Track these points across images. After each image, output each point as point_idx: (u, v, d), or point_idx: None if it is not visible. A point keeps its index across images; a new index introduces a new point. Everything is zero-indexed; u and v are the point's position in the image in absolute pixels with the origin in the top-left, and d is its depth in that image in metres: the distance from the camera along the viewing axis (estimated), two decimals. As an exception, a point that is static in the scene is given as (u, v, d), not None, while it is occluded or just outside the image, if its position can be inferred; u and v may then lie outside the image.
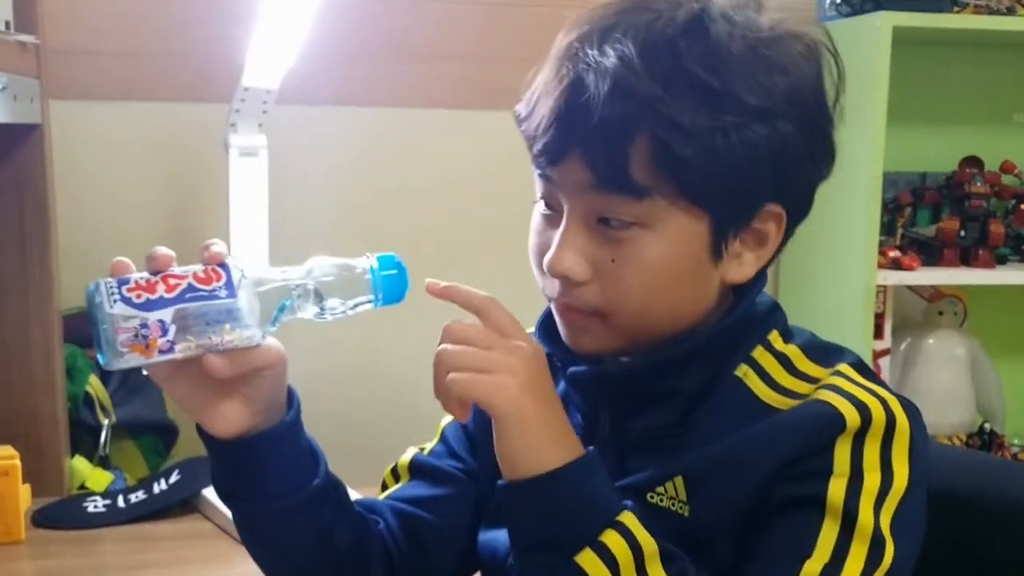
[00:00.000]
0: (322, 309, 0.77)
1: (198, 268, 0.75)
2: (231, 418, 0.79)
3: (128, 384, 1.69)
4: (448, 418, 0.99)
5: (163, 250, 0.75)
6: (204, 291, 0.73)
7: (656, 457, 0.83)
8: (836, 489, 0.76)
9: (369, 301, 0.79)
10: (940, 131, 2.16)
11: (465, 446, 0.96)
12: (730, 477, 0.79)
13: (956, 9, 1.91)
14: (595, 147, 0.77)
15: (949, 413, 2.11)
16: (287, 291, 0.76)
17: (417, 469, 0.97)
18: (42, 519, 1.46)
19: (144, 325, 0.72)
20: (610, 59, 0.77)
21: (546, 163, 0.80)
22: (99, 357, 0.73)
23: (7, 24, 1.44)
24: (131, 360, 0.72)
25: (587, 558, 0.74)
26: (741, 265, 0.83)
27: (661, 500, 0.81)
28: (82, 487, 1.57)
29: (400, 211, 1.94)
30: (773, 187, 0.80)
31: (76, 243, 1.71)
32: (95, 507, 1.49)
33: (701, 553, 0.78)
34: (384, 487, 0.98)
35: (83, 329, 1.63)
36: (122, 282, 0.73)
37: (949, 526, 0.89)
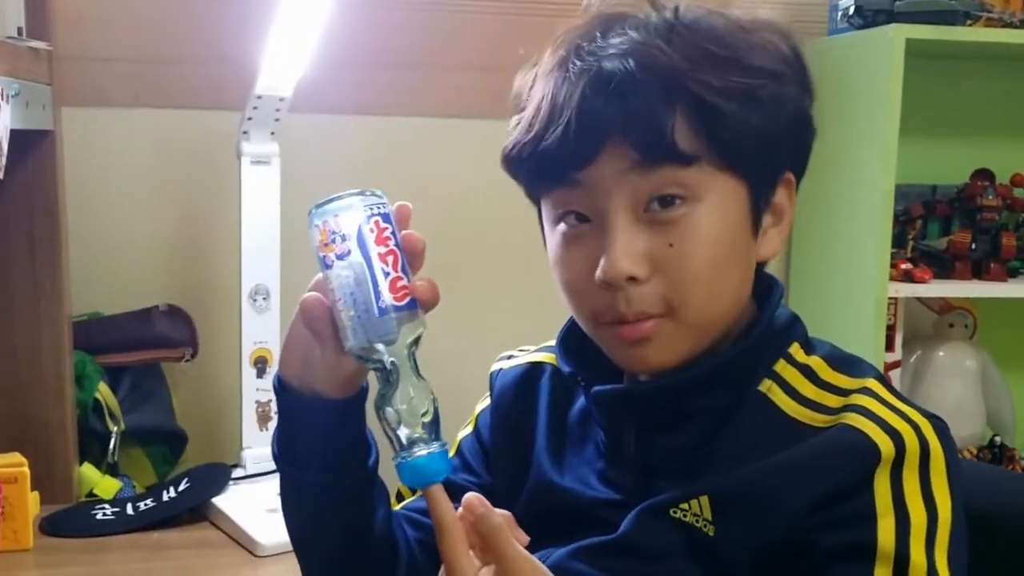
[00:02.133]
0: (383, 397, 0.75)
1: (414, 283, 0.77)
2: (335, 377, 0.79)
3: (137, 391, 1.69)
4: (466, 431, 0.99)
5: (418, 241, 0.78)
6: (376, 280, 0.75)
7: (682, 477, 0.81)
8: (885, 533, 0.74)
9: (398, 454, 0.75)
10: (952, 144, 2.16)
11: (482, 461, 0.95)
12: (758, 505, 0.77)
13: (969, 22, 1.90)
14: (637, 124, 0.76)
15: (959, 426, 2.10)
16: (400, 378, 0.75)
17: None
18: (50, 527, 1.46)
19: (343, 237, 0.75)
20: (624, 46, 0.77)
21: (576, 166, 0.78)
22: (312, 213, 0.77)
23: (19, 30, 1.44)
24: (316, 237, 0.76)
25: None
26: (769, 241, 0.84)
27: (685, 516, 0.80)
28: (91, 494, 1.57)
29: (414, 220, 1.93)
30: (791, 152, 0.83)
31: (87, 250, 1.71)
32: (104, 515, 1.49)
33: None
34: (400, 498, 0.98)
35: (93, 336, 1.66)
36: (385, 217, 0.77)
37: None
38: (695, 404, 0.82)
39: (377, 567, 0.88)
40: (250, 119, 1.55)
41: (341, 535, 0.86)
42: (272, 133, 1.58)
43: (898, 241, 2.01)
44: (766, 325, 0.83)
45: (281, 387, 0.83)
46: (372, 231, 0.75)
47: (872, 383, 0.81)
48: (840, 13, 1.96)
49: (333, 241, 0.75)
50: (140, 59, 1.79)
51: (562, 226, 0.82)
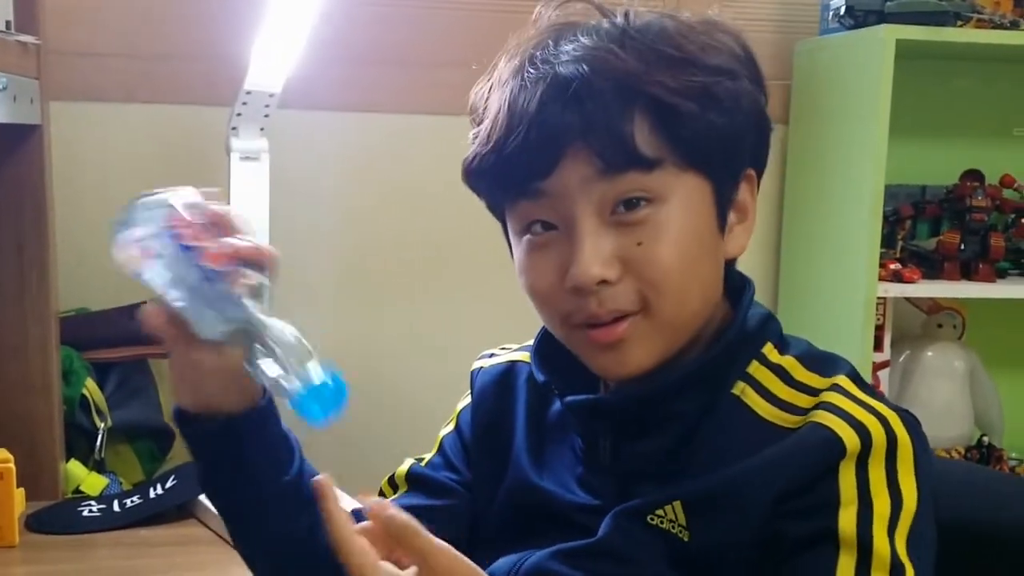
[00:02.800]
0: (254, 359, 0.75)
1: (224, 245, 0.76)
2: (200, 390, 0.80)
3: (124, 388, 1.68)
4: (447, 429, 0.99)
5: (235, 216, 0.77)
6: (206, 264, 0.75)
7: (658, 482, 0.82)
8: (847, 519, 0.75)
9: (292, 393, 0.75)
10: (942, 144, 2.16)
11: (463, 459, 0.95)
12: (730, 508, 0.78)
13: (959, 23, 1.91)
14: (597, 131, 0.76)
15: (947, 426, 2.11)
16: (248, 320, 0.75)
17: (415, 480, 0.96)
18: (36, 523, 1.45)
19: (143, 239, 0.76)
20: (578, 51, 0.77)
21: (539, 177, 0.78)
22: (114, 230, 0.78)
23: (8, 24, 1.43)
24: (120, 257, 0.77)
25: None
26: (735, 238, 0.84)
27: (661, 523, 0.80)
28: (77, 491, 1.56)
29: (401, 216, 1.94)
30: (752, 149, 0.83)
31: (74, 245, 1.70)
32: (90, 511, 1.48)
33: None
34: (382, 496, 0.97)
35: (80, 331, 1.65)
36: (172, 207, 0.76)
37: (956, 551, 0.88)
38: (668, 410, 0.82)
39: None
40: (239, 115, 1.54)
41: (272, 547, 0.87)
42: (261, 129, 1.57)
43: (887, 241, 2.01)
44: (738, 328, 0.83)
45: (181, 419, 0.83)
46: (165, 222, 0.76)
47: (842, 379, 0.81)
48: (831, 13, 1.96)
49: (139, 250, 0.76)
50: (129, 54, 1.78)
51: (528, 235, 0.81)
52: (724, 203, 0.82)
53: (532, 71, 0.78)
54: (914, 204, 2.09)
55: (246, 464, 0.82)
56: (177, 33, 1.80)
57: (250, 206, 1.56)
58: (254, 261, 0.76)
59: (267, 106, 1.55)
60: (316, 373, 0.74)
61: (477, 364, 0.99)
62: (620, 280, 0.78)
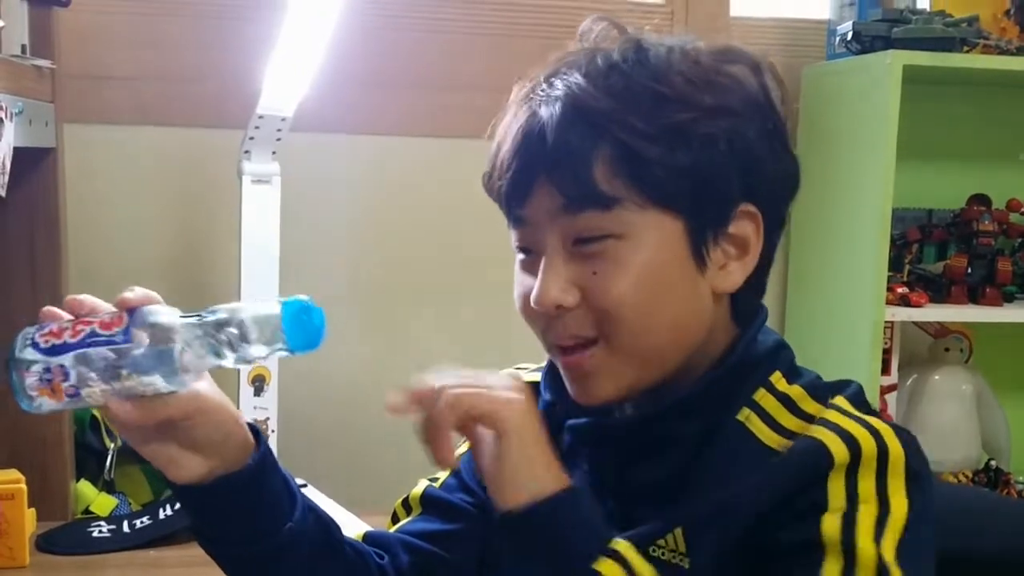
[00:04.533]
0: (235, 356, 0.74)
1: (107, 314, 0.75)
2: (186, 465, 0.78)
3: (135, 408, 1.69)
4: (462, 449, 0.99)
5: (83, 297, 0.76)
6: (103, 336, 0.73)
7: (660, 507, 0.82)
8: (830, 524, 0.75)
9: (283, 348, 0.75)
10: (948, 169, 2.17)
11: (478, 480, 0.95)
12: (727, 526, 0.78)
13: (966, 49, 1.92)
14: (558, 169, 0.79)
15: (954, 450, 2.10)
16: (199, 337, 0.73)
17: (428, 502, 0.96)
18: (46, 544, 1.46)
19: (47, 369, 0.73)
20: (559, 89, 0.80)
21: (517, 203, 0.82)
22: (18, 402, 0.75)
23: (23, 48, 1.44)
24: (43, 404, 0.74)
25: None
26: (728, 274, 0.83)
27: (663, 554, 0.80)
28: (87, 511, 1.57)
29: (412, 239, 1.95)
30: (741, 185, 0.82)
31: (87, 267, 1.71)
32: (100, 532, 1.49)
33: None
34: (395, 519, 0.98)
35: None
36: (40, 328, 0.74)
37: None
38: (670, 433, 0.83)
39: None
40: (251, 139, 1.55)
41: None
42: (273, 153, 1.58)
43: (894, 265, 2.02)
44: (743, 353, 0.84)
45: (181, 494, 0.81)
46: (47, 339, 0.73)
47: (839, 400, 0.82)
48: (838, 39, 1.97)
49: (50, 382, 0.73)
50: (142, 77, 1.80)
51: (519, 255, 0.85)
52: (702, 240, 0.81)
53: (526, 104, 0.82)
54: (921, 228, 2.10)
55: (247, 519, 0.81)
56: (189, 57, 1.81)
57: (261, 229, 1.57)
58: (138, 302, 0.74)
59: (279, 130, 1.56)
60: (274, 308, 0.73)
61: None
62: (578, 306, 0.81)
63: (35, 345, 0.74)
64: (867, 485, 0.76)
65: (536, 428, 0.79)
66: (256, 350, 0.74)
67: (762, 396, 0.83)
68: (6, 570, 1.37)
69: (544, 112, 0.79)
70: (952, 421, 2.11)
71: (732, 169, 0.80)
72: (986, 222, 2.06)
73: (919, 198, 2.11)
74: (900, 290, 1.97)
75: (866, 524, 0.75)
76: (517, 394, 0.79)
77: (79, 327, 0.74)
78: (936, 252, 2.12)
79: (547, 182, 0.79)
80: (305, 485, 1.47)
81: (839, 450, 0.76)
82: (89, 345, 0.73)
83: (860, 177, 1.91)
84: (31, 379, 0.74)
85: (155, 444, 0.78)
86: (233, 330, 0.73)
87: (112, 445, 1.61)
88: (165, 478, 0.80)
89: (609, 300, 0.80)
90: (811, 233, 2.05)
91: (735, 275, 0.84)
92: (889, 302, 1.92)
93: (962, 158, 2.18)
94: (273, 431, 1.59)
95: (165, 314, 0.74)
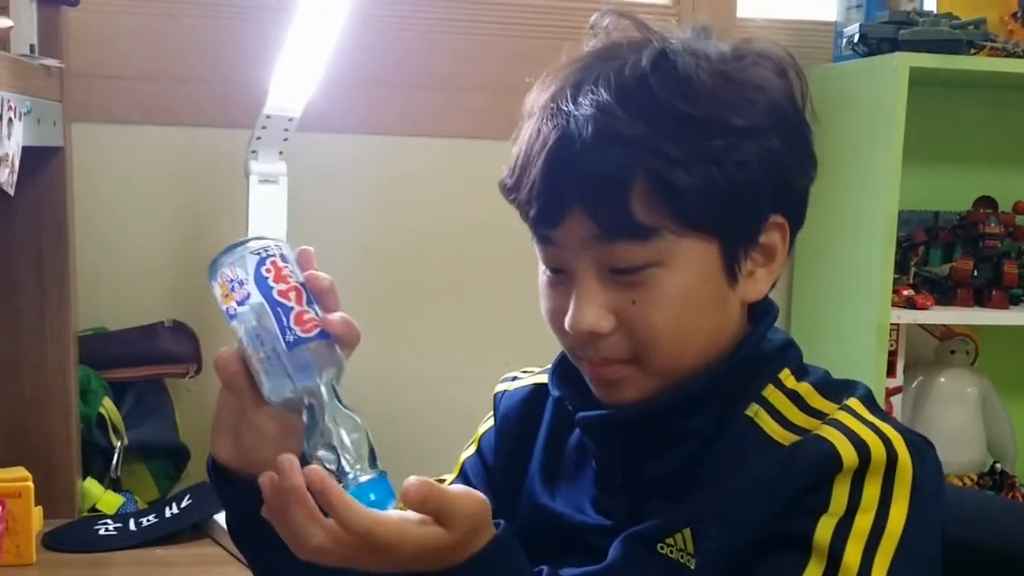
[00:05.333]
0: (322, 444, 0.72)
1: (309, 308, 0.74)
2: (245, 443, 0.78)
3: (141, 407, 1.70)
4: (468, 452, 0.99)
5: (323, 278, 0.76)
6: (288, 327, 0.73)
7: (668, 503, 0.82)
8: (824, 528, 0.76)
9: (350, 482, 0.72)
10: (954, 171, 2.17)
11: (485, 482, 0.96)
12: (735, 527, 0.79)
13: (973, 51, 1.92)
14: (594, 198, 0.77)
15: (959, 452, 2.10)
16: (324, 419, 0.72)
17: None
18: (53, 542, 1.46)
19: (240, 283, 0.75)
20: (588, 109, 0.78)
21: (546, 226, 0.80)
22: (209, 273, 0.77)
23: (32, 48, 1.45)
24: (215, 289, 0.76)
25: None
26: (756, 282, 0.84)
27: (671, 552, 0.81)
28: (93, 509, 1.57)
29: (420, 240, 1.95)
30: (772, 200, 0.82)
31: (94, 265, 1.72)
32: (106, 530, 1.49)
33: None
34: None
35: (98, 351, 1.66)
36: (283, 258, 0.76)
37: None
38: (679, 428, 0.83)
39: None
40: (259, 138, 1.56)
41: None
42: (280, 152, 1.59)
43: (900, 267, 2.02)
44: (752, 349, 0.84)
45: (216, 473, 0.80)
46: (269, 271, 0.74)
47: (853, 402, 0.82)
48: (845, 41, 1.97)
49: (233, 290, 0.74)
50: (150, 77, 1.80)
51: (545, 270, 0.84)
52: (735, 256, 0.81)
53: (549, 117, 0.79)
54: (927, 230, 2.10)
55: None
56: (197, 56, 1.81)
57: (267, 229, 1.57)
58: (339, 337, 0.74)
59: (286, 130, 1.56)
60: (366, 475, 0.71)
61: (501, 387, 1.00)
62: (613, 333, 0.80)
63: (260, 264, 0.74)
64: (872, 492, 0.77)
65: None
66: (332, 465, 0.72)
67: (771, 392, 0.84)
68: (13, 567, 1.37)
69: (574, 132, 0.77)
70: (957, 424, 2.10)
71: (764, 186, 0.80)
72: (992, 224, 2.06)
73: (925, 200, 2.10)
74: (906, 292, 1.97)
75: (858, 536, 0.75)
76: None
77: (291, 293, 0.74)
78: (942, 254, 2.12)
79: (582, 210, 0.78)
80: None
81: (848, 454, 0.77)
82: (277, 314, 0.73)
83: (866, 179, 1.91)
84: (226, 272, 0.75)
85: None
86: (339, 442, 0.72)
87: (119, 443, 1.62)
88: (219, 478, 0.79)
89: (648, 331, 0.80)
90: (817, 235, 2.04)
91: (762, 283, 0.84)
92: (895, 304, 1.92)
93: (969, 160, 2.17)
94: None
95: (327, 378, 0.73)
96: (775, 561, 0.76)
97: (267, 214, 1.57)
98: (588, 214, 0.78)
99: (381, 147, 1.91)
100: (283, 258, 0.76)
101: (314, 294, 0.75)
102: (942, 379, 2.11)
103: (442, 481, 0.98)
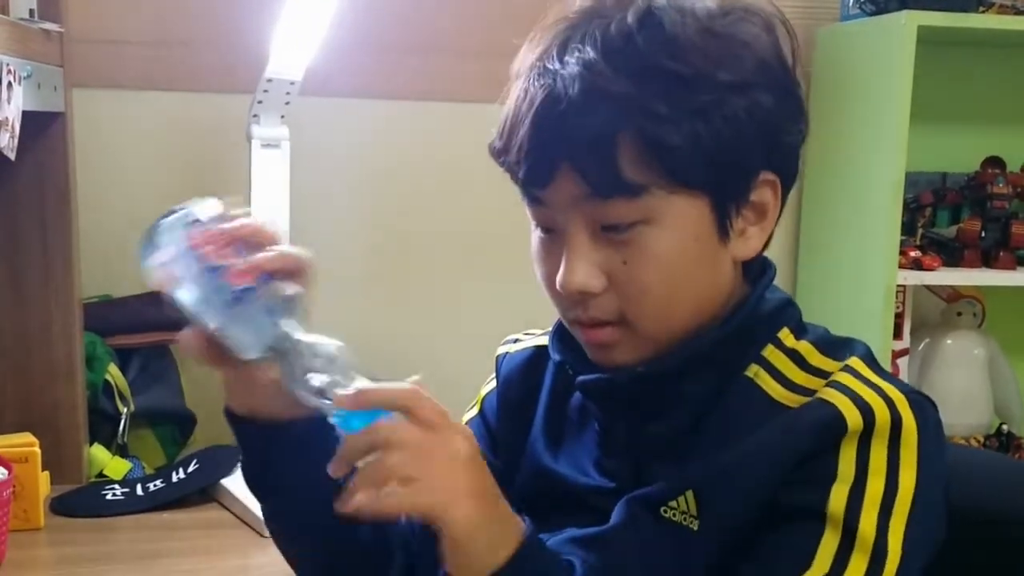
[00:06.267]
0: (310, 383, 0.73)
1: (248, 261, 0.75)
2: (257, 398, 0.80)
3: (147, 373, 1.70)
4: (471, 414, 0.99)
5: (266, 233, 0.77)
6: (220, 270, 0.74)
7: (670, 465, 0.82)
8: (837, 497, 0.75)
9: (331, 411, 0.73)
10: (962, 131, 2.15)
11: (488, 443, 0.96)
12: (738, 489, 0.79)
13: (981, 9, 1.90)
14: (583, 157, 0.77)
15: (966, 414, 2.10)
16: (301, 347, 0.73)
17: None
18: (60, 507, 1.47)
19: (167, 265, 0.75)
20: (575, 67, 0.77)
21: (536, 186, 0.80)
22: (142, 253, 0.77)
23: (31, 12, 1.44)
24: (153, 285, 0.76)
25: None
26: (748, 240, 0.83)
27: (674, 515, 0.81)
28: (100, 475, 1.58)
29: (421, 203, 1.95)
30: (762, 156, 0.81)
31: (97, 232, 1.71)
32: (114, 495, 1.50)
33: (710, 572, 0.78)
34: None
35: (103, 318, 1.66)
36: (196, 223, 0.76)
37: (973, 538, 0.88)
38: (680, 390, 0.83)
39: (369, 569, 0.90)
40: (260, 103, 1.55)
41: (329, 552, 0.88)
42: (282, 116, 1.58)
43: (907, 229, 2.01)
44: (751, 310, 0.84)
45: (234, 419, 0.83)
46: (187, 241, 0.74)
47: (854, 361, 0.81)
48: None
49: (166, 276, 0.75)
50: (151, 41, 1.79)
51: (537, 230, 0.84)
52: (726, 213, 0.81)
53: (536, 77, 0.79)
54: (935, 191, 2.09)
55: (290, 471, 0.83)
56: (198, 21, 1.80)
57: (270, 193, 1.57)
58: (283, 272, 0.75)
59: (288, 94, 1.55)
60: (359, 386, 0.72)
61: (502, 349, 1.00)
62: (604, 292, 0.80)
63: (177, 239, 0.75)
64: (879, 456, 0.76)
65: (481, 506, 0.73)
66: (323, 383, 0.72)
67: (771, 352, 0.83)
68: (22, 532, 1.38)
69: (561, 91, 0.77)
70: (964, 386, 2.11)
71: (753, 142, 0.80)
72: (1000, 185, 2.05)
73: (933, 161, 2.09)
74: (913, 254, 1.96)
75: (872, 501, 0.75)
76: (460, 464, 0.73)
77: (214, 254, 0.74)
78: (950, 215, 2.11)
79: (571, 169, 0.77)
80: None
81: (853, 417, 0.76)
82: (211, 279, 0.73)
83: (874, 140, 1.90)
84: (151, 262, 0.75)
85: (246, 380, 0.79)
86: (323, 367, 0.72)
87: (125, 410, 1.62)
88: (237, 421, 0.82)
89: (638, 290, 0.80)
90: (824, 196, 2.03)
91: (754, 240, 0.84)
92: (902, 266, 1.92)
93: (977, 120, 2.16)
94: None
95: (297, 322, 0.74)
96: (790, 532, 0.76)
97: (269, 179, 1.56)
98: (577, 172, 0.77)
99: (384, 111, 1.90)
100: (198, 223, 0.75)
101: (243, 241, 0.75)
102: (949, 341, 2.11)
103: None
